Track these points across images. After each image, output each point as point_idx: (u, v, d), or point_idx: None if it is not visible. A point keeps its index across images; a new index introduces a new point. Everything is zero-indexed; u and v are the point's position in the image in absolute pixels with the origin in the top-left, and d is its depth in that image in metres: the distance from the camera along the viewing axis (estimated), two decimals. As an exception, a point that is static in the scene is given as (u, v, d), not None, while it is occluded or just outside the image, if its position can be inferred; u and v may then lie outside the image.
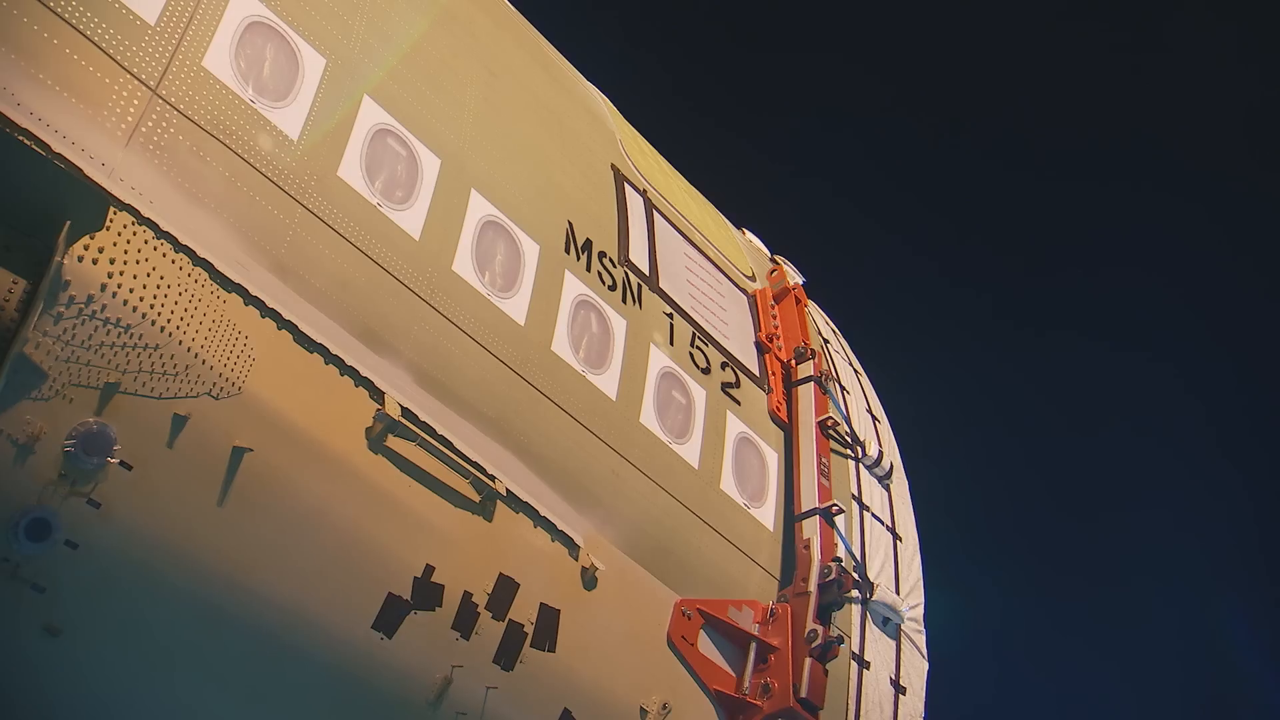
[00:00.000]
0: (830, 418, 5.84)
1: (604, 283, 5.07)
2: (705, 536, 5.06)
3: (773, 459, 5.59)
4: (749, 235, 7.22)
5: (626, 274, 5.26)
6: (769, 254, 7.15)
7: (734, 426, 5.43)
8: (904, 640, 5.78)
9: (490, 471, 4.26)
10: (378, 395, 4.00)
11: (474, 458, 4.23)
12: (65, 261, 3.30)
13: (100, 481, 3.39)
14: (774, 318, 6.29)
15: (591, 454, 4.69)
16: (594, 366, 4.83)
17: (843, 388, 6.41)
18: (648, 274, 5.43)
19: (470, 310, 4.39)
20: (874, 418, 6.59)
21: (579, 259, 4.99)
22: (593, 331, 4.87)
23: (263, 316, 3.75)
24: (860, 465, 6.09)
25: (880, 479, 6.22)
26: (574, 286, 4.89)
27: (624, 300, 5.14)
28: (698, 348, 5.50)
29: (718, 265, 6.17)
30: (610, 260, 5.19)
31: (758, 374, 5.87)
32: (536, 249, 4.78)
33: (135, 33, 3.61)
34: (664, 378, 5.15)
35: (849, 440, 6.07)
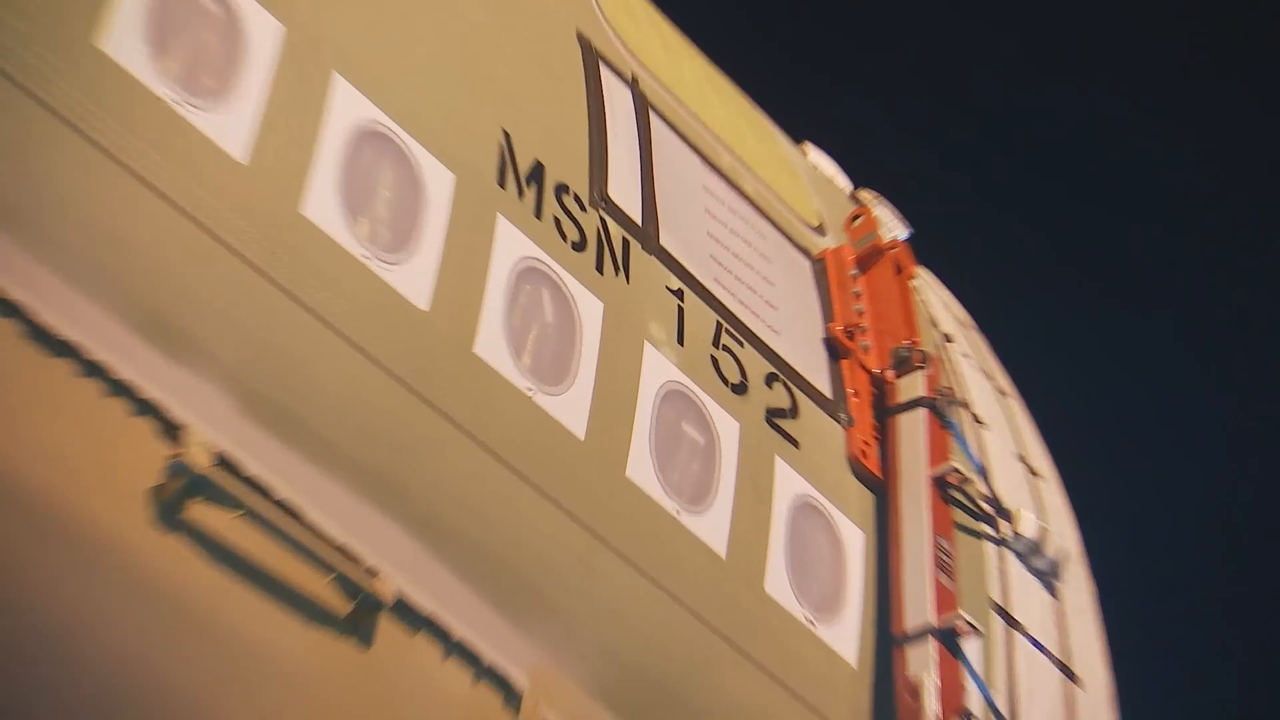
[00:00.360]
0: (955, 470, 5.64)
1: (565, 237, 4.94)
2: (737, 673, 4.90)
3: (855, 540, 5.42)
4: (813, 154, 7.03)
5: (604, 222, 5.12)
6: (849, 188, 7.01)
7: (788, 484, 5.26)
8: None
9: (368, 562, 4.09)
10: (172, 431, 3.85)
11: (339, 538, 4.06)
12: None
13: None
14: (857, 297, 6.12)
15: (544, 530, 4.55)
16: (548, 380, 4.68)
17: (977, 419, 6.26)
18: (641, 223, 5.30)
19: (336, 284, 4.24)
20: (1032, 471, 6.44)
21: (521, 196, 4.86)
22: (546, 320, 4.76)
23: None
24: (1008, 552, 5.93)
25: (1043, 576, 6.04)
26: (514, 243, 4.75)
27: (599, 267, 5.01)
28: (726, 349, 5.35)
29: (760, 207, 6.04)
30: (577, 199, 5.07)
31: (829, 394, 5.73)
32: (450, 179, 4.65)
33: None
34: (668, 400, 5.02)
35: (988, 510, 5.90)
